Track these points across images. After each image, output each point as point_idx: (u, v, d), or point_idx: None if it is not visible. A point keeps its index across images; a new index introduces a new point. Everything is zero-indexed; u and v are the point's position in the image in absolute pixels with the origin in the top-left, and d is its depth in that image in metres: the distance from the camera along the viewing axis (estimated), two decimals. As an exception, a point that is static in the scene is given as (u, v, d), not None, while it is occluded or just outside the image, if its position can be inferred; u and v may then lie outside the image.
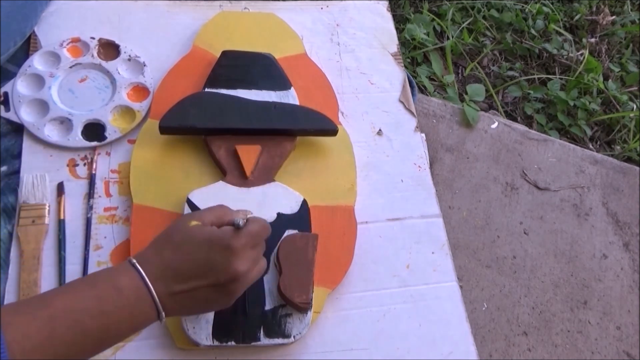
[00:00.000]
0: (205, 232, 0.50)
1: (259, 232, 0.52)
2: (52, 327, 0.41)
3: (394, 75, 0.84)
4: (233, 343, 0.58)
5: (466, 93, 1.51)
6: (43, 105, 0.72)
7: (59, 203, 0.66)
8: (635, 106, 1.59)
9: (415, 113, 0.81)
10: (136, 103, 0.74)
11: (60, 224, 0.65)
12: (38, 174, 0.67)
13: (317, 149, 0.74)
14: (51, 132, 0.71)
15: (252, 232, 0.51)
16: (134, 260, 0.47)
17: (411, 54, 1.59)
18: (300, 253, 0.62)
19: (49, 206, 0.66)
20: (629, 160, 1.50)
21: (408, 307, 0.66)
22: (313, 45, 0.84)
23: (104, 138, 0.71)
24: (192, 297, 0.48)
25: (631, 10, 1.85)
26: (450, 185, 1.31)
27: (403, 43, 1.59)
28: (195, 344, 0.58)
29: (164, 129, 0.69)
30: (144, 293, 0.46)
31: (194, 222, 0.51)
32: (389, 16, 0.90)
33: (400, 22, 1.65)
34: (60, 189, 0.67)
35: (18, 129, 0.71)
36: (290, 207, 0.67)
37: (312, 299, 0.60)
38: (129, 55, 0.77)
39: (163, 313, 0.47)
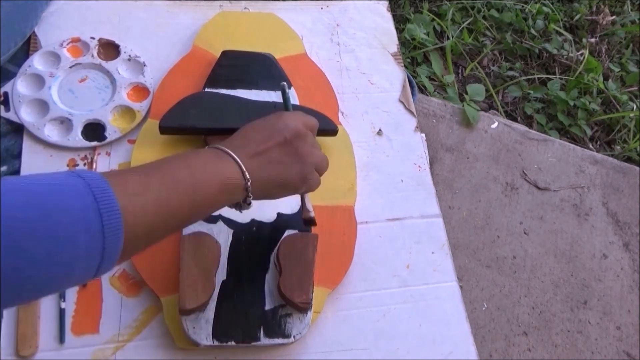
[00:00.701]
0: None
1: (307, 115, 0.60)
2: (148, 178, 0.44)
3: (394, 75, 0.84)
4: (233, 343, 0.58)
5: (466, 93, 1.51)
6: (43, 105, 0.72)
7: (59, 203, 0.66)
8: (635, 106, 1.59)
9: (415, 113, 0.81)
10: (136, 103, 0.74)
11: (60, 224, 0.65)
12: (38, 174, 0.67)
13: (317, 149, 0.74)
14: (51, 132, 0.71)
15: (299, 112, 0.60)
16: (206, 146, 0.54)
17: (411, 54, 1.59)
18: (300, 253, 0.62)
19: (49, 206, 0.66)
20: (629, 160, 1.50)
21: (408, 307, 0.66)
22: (313, 45, 0.84)
23: (104, 138, 0.71)
24: (269, 158, 0.53)
25: (631, 10, 1.85)
26: (450, 185, 1.31)
27: (403, 43, 1.59)
28: (195, 344, 0.58)
29: (164, 129, 0.69)
30: (223, 154, 0.51)
31: None
32: (389, 16, 0.90)
33: (400, 22, 1.65)
34: (60, 189, 0.67)
35: (18, 129, 0.71)
36: (290, 207, 0.67)
37: (312, 299, 0.60)
38: (129, 55, 0.77)
39: (247, 174, 0.50)
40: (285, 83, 0.62)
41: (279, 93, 0.75)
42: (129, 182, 0.42)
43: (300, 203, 0.67)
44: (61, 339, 0.59)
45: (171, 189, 0.45)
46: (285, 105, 0.63)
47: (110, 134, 0.71)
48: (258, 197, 0.53)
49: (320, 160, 0.58)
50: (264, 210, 0.66)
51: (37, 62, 0.75)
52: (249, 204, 0.52)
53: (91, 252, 0.38)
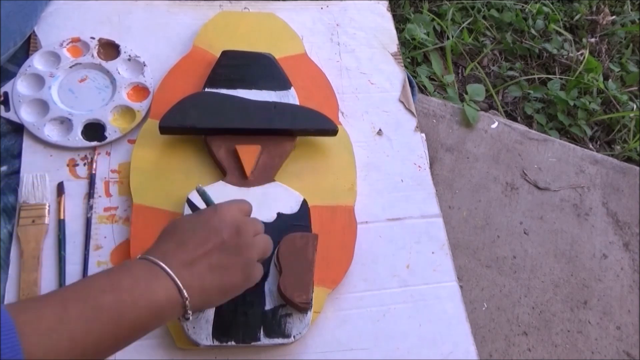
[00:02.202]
0: (190, 214, 0.54)
1: (238, 201, 0.55)
2: (65, 307, 0.39)
3: (394, 75, 0.84)
4: (233, 343, 0.58)
5: (466, 93, 1.51)
6: (43, 105, 0.72)
7: (59, 203, 0.66)
8: (635, 106, 1.59)
9: (415, 113, 0.81)
10: (136, 103, 0.74)
11: (60, 224, 0.65)
12: (38, 174, 0.67)
13: (317, 149, 0.74)
14: (51, 132, 0.71)
15: (232, 200, 0.55)
16: (138, 256, 0.47)
17: (411, 54, 1.59)
18: (300, 253, 0.62)
19: (49, 206, 0.66)
20: (629, 160, 1.50)
21: (408, 307, 0.66)
22: (313, 45, 0.84)
23: (104, 138, 0.71)
24: (208, 265, 0.47)
25: (631, 10, 1.85)
26: (450, 185, 1.31)
27: (403, 43, 1.59)
28: (195, 344, 0.58)
29: (164, 129, 0.69)
30: (155, 269, 0.45)
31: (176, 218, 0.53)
32: (389, 16, 0.90)
33: (400, 22, 1.65)
34: (60, 189, 0.67)
35: (18, 129, 0.71)
36: (290, 207, 0.67)
37: (312, 299, 0.60)
38: (129, 55, 0.77)
39: (184, 291, 0.45)
40: (200, 185, 0.55)
41: (279, 93, 0.75)
42: (43, 318, 0.38)
43: (300, 203, 0.67)
44: (61, 339, 0.59)
45: (91, 320, 0.40)
46: (207, 201, 0.56)
47: (110, 134, 0.71)
48: (197, 310, 0.47)
49: (264, 246, 0.53)
50: (264, 210, 0.66)
51: (37, 62, 0.75)
52: (188, 319, 0.47)
53: None
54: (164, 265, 0.45)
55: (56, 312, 0.39)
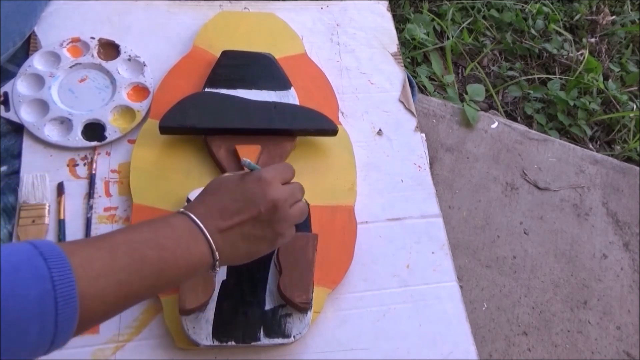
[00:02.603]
0: (237, 174, 0.54)
1: (284, 168, 0.56)
2: (114, 255, 0.43)
3: (394, 75, 0.84)
4: (233, 343, 0.58)
5: (466, 93, 1.51)
6: (43, 105, 0.72)
7: (59, 203, 0.66)
8: (635, 106, 1.59)
9: (415, 113, 0.81)
10: (136, 103, 0.74)
11: (60, 224, 0.65)
12: (38, 174, 0.67)
13: (317, 149, 0.74)
14: (51, 132, 0.71)
15: (277, 167, 0.56)
16: (181, 209, 0.50)
17: (411, 54, 1.59)
18: (300, 253, 0.62)
19: (49, 206, 0.66)
20: (629, 160, 1.50)
21: (408, 307, 0.66)
22: (313, 45, 0.84)
23: (104, 138, 0.71)
24: (241, 233, 0.50)
25: (631, 10, 1.85)
26: (450, 185, 1.31)
27: (403, 43, 1.59)
28: (195, 344, 0.58)
29: (164, 129, 0.69)
30: (195, 230, 0.48)
31: (226, 174, 0.54)
32: (389, 16, 0.90)
33: (400, 22, 1.65)
34: (60, 189, 0.67)
35: (18, 129, 0.71)
36: (290, 207, 0.67)
37: (312, 299, 0.60)
38: (129, 55, 0.77)
39: (217, 253, 0.48)
40: (245, 159, 0.55)
41: (279, 93, 0.75)
42: (93, 263, 0.41)
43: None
44: (61, 339, 0.59)
45: (136, 272, 0.44)
46: (252, 169, 0.56)
47: (110, 134, 0.71)
48: (223, 265, 0.51)
49: (299, 215, 0.55)
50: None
51: (37, 62, 0.75)
52: (216, 272, 0.51)
53: (41, 339, 0.38)
54: (204, 229, 0.48)
55: (106, 260, 0.42)
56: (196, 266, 0.48)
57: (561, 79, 1.61)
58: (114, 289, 0.42)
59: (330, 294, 0.65)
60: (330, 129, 0.72)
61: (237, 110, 0.71)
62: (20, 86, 0.72)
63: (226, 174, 0.55)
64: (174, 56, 0.79)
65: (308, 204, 0.64)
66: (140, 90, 0.76)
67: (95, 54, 0.77)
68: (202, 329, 0.58)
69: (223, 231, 0.49)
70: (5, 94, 0.72)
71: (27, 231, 0.63)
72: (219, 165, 0.69)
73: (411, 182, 0.75)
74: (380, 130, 0.78)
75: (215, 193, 0.52)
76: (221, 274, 0.62)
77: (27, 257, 0.38)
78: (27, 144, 0.70)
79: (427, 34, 1.62)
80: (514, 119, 1.54)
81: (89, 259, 0.41)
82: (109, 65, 0.76)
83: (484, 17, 1.73)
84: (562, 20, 1.76)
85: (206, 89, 0.73)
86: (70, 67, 0.75)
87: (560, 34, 1.72)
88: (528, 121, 1.55)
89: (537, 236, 1.27)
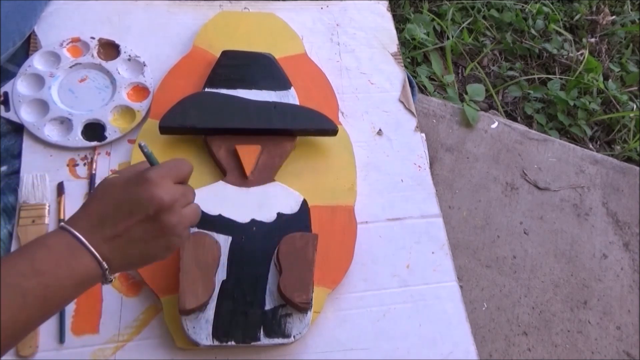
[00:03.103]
0: (124, 176, 0.50)
1: (177, 165, 0.52)
2: None
3: (394, 75, 0.84)
4: (233, 343, 0.58)
5: (466, 93, 1.51)
6: (43, 105, 0.72)
7: (59, 203, 0.66)
8: (635, 106, 1.59)
9: (415, 113, 0.81)
10: (136, 103, 0.74)
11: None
12: (38, 174, 0.67)
13: (317, 149, 0.74)
14: (51, 132, 0.71)
15: (168, 164, 0.51)
16: (62, 223, 0.47)
17: (411, 54, 1.59)
18: (300, 253, 0.62)
19: (49, 206, 0.66)
20: (629, 160, 1.50)
21: (408, 307, 0.66)
22: (313, 45, 0.84)
23: (104, 138, 0.71)
24: (129, 239, 0.47)
25: (631, 10, 1.85)
26: (450, 185, 1.31)
27: (403, 43, 1.59)
28: (195, 344, 0.58)
29: (164, 129, 0.69)
30: (76, 245, 0.45)
31: (112, 175, 0.51)
32: (389, 16, 0.90)
33: (400, 22, 1.65)
34: (60, 189, 0.67)
35: (18, 129, 0.71)
36: (290, 207, 0.67)
37: (312, 299, 0.60)
38: (129, 55, 0.77)
39: (104, 263, 0.46)
40: (143, 143, 0.51)
41: (279, 93, 0.75)
42: None
43: (300, 203, 0.67)
44: (61, 339, 0.59)
45: (19, 308, 0.41)
46: (150, 160, 0.52)
47: (110, 134, 0.71)
48: (118, 272, 0.49)
49: (192, 218, 0.52)
50: (264, 210, 0.66)
51: (37, 62, 0.75)
52: (111, 281, 0.48)
53: None
54: (85, 241, 0.45)
55: None
56: (85, 281, 0.45)
57: (561, 79, 1.61)
58: None
59: (330, 294, 0.65)
60: (330, 129, 0.72)
61: (237, 110, 0.71)
62: (20, 86, 0.72)
63: (112, 175, 0.51)
64: (174, 56, 0.79)
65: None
66: (140, 90, 0.76)
67: (95, 54, 0.77)
68: (202, 329, 0.58)
69: (109, 239, 0.46)
70: (5, 94, 0.72)
71: (27, 231, 0.63)
72: (219, 165, 0.69)
73: (411, 182, 0.75)
74: (380, 130, 0.78)
75: (100, 200, 0.48)
76: (221, 274, 0.62)
77: None
78: (27, 144, 0.70)
79: (427, 34, 1.62)
80: (514, 119, 1.54)
81: None
82: (109, 65, 0.76)
83: (484, 17, 1.73)
84: (562, 20, 1.76)
85: (206, 89, 0.73)
86: (70, 67, 0.75)
87: (560, 34, 1.72)
88: (528, 121, 1.55)
89: (537, 236, 1.27)
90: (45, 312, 0.44)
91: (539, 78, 1.62)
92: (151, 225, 0.48)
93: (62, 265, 0.44)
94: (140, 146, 0.51)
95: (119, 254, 0.47)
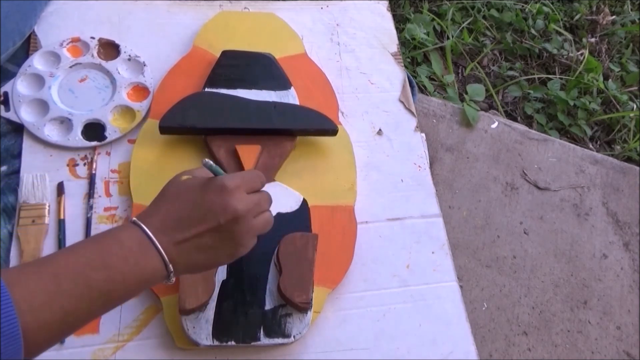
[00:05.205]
0: (198, 179, 0.50)
1: (252, 176, 0.53)
2: (58, 283, 0.41)
3: (394, 75, 0.84)
4: (233, 343, 0.58)
5: (466, 93, 1.51)
6: (43, 105, 0.72)
7: (59, 203, 0.66)
8: (635, 106, 1.59)
9: (415, 113, 0.81)
10: (136, 103, 0.74)
11: (60, 224, 0.65)
12: (38, 174, 0.67)
13: (317, 149, 0.74)
14: (51, 132, 0.71)
15: (244, 174, 0.52)
16: (134, 218, 0.48)
17: (411, 54, 1.59)
18: (300, 253, 0.62)
19: (49, 206, 0.66)
20: (629, 160, 1.50)
21: (408, 307, 0.66)
22: (313, 45, 0.84)
23: (104, 138, 0.71)
24: (197, 245, 0.48)
25: (631, 10, 1.85)
26: (450, 185, 1.31)
27: (403, 43, 1.59)
28: (195, 344, 0.58)
29: (164, 129, 0.69)
30: (147, 244, 0.46)
31: (185, 177, 0.51)
32: (389, 16, 0.90)
33: (400, 22, 1.65)
34: (60, 188, 0.67)
35: (18, 129, 0.71)
36: (290, 206, 0.67)
37: (312, 299, 0.60)
38: (129, 55, 0.77)
39: (170, 265, 0.46)
40: (207, 160, 0.51)
41: (279, 93, 0.75)
42: (36, 293, 0.40)
43: (300, 203, 0.67)
44: (61, 339, 0.59)
45: (82, 297, 0.42)
46: (217, 174, 0.52)
47: (110, 134, 0.71)
48: (179, 275, 0.50)
49: (263, 227, 0.52)
50: (264, 210, 0.66)
51: (37, 62, 0.74)
52: (172, 282, 0.49)
53: None
54: (157, 243, 0.46)
55: (49, 288, 0.40)
56: (148, 280, 0.46)
57: (561, 79, 1.61)
58: (59, 317, 0.41)
59: (330, 294, 0.65)
60: (330, 129, 0.72)
61: (237, 110, 0.71)
62: (20, 86, 0.72)
63: (185, 177, 0.51)
64: (174, 56, 0.79)
65: (272, 216, 0.57)
66: (140, 90, 0.76)
67: (95, 54, 0.77)
68: (202, 329, 0.58)
69: (178, 243, 0.47)
70: (5, 94, 0.72)
71: (27, 231, 0.63)
72: (219, 165, 0.69)
73: (411, 182, 0.75)
74: (380, 130, 0.78)
75: (174, 201, 0.49)
76: (221, 274, 0.62)
77: None
78: (27, 144, 0.70)
79: (427, 34, 1.62)
80: (514, 119, 1.54)
81: (31, 290, 0.40)
82: (109, 65, 0.76)
83: (484, 17, 1.73)
84: (562, 20, 1.76)
85: (206, 89, 0.73)
86: (70, 67, 0.75)
87: (560, 33, 1.72)
88: (528, 121, 1.55)
89: (537, 236, 1.27)
90: (106, 306, 0.44)
91: (539, 78, 1.62)
92: (221, 233, 0.48)
93: (131, 262, 0.44)
94: (205, 164, 0.51)
95: (185, 259, 0.47)
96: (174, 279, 0.48)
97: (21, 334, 0.38)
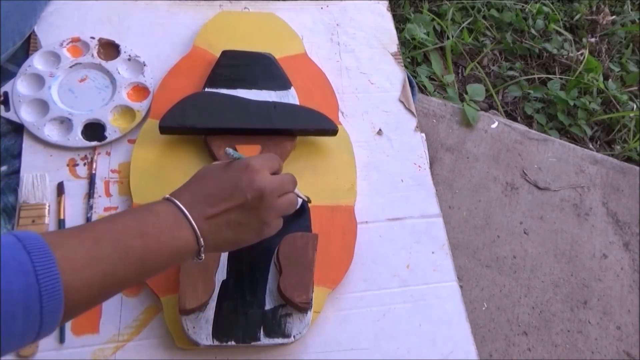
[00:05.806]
0: (224, 162, 0.55)
1: (272, 157, 0.57)
2: (98, 247, 0.43)
3: (394, 75, 0.84)
4: (233, 343, 0.58)
5: (466, 93, 1.51)
6: (43, 105, 0.72)
7: (59, 203, 0.66)
8: (635, 106, 1.59)
9: (415, 113, 0.81)
10: (136, 103, 0.74)
11: (60, 224, 0.65)
12: (38, 174, 0.67)
13: (317, 149, 0.74)
14: (51, 132, 0.71)
15: (264, 156, 0.56)
16: (167, 196, 0.51)
17: (411, 54, 1.59)
18: (300, 253, 0.62)
19: (49, 206, 0.66)
20: (629, 160, 1.50)
21: (408, 307, 0.66)
22: (313, 45, 0.84)
23: (104, 138, 0.71)
24: (227, 220, 0.50)
25: (631, 10, 1.85)
26: (450, 185, 1.31)
27: (403, 43, 1.59)
28: (195, 344, 0.58)
29: (164, 129, 0.69)
30: (180, 217, 0.48)
31: (214, 162, 0.55)
32: (389, 16, 0.90)
33: (400, 22, 1.65)
34: (60, 188, 0.67)
35: (18, 129, 0.71)
36: (290, 207, 0.67)
37: (312, 299, 0.60)
38: (129, 55, 0.77)
39: (202, 239, 0.49)
40: (228, 149, 0.55)
41: (279, 93, 0.75)
42: (78, 255, 0.42)
43: (300, 202, 0.67)
44: (61, 338, 0.59)
45: (120, 261, 0.44)
46: (237, 157, 0.56)
47: (110, 134, 0.71)
48: (208, 252, 0.51)
49: (287, 207, 0.56)
50: (264, 210, 0.66)
51: (37, 62, 0.74)
52: (201, 259, 0.51)
53: (27, 330, 0.38)
54: (189, 216, 0.48)
55: (90, 251, 0.43)
56: (181, 253, 0.48)
57: (561, 78, 1.61)
58: (98, 279, 0.42)
59: (330, 294, 0.65)
60: (330, 129, 0.72)
61: (237, 110, 0.71)
62: (20, 86, 0.72)
63: (214, 162, 0.55)
64: (174, 56, 0.79)
65: (309, 200, 0.65)
66: (140, 90, 0.76)
67: (95, 54, 0.77)
68: (202, 329, 0.58)
69: (209, 218, 0.49)
70: (5, 94, 0.72)
71: (27, 231, 0.63)
72: (219, 165, 0.69)
73: (411, 182, 0.75)
74: (380, 130, 0.78)
75: (202, 180, 0.52)
76: (221, 274, 0.62)
77: (11, 251, 0.38)
78: (27, 144, 0.70)
79: (427, 34, 1.62)
80: (514, 119, 1.54)
81: (73, 251, 0.42)
82: (109, 65, 0.76)
83: (484, 17, 1.73)
84: (562, 20, 1.76)
85: (206, 89, 0.73)
86: (70, 67, 0.75)
87: (560, 33, 1.72)
88: (528, 121, 1.55)
89: (537, 236, 1.27)
90: (140, 275, 0.46)
91: (539, 78, 1.62)
92: (247, 211, 0.51)
93: (166, 233, 0.47)
94: (227, 152, 0.55)
95: (214, 234, 0.50)
96: (203, 256, 0.50)
97: (62, 291, 0.39)
